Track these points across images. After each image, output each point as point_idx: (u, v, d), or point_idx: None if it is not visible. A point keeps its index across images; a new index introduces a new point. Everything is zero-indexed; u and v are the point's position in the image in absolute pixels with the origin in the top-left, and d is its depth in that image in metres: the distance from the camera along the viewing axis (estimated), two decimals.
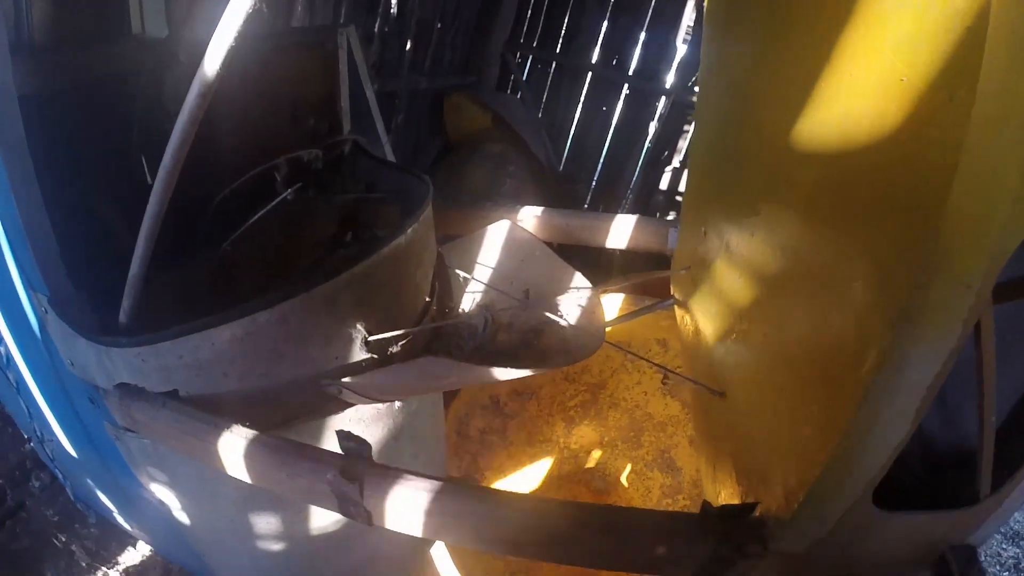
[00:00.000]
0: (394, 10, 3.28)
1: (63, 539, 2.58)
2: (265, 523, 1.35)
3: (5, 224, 1.17)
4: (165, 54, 1.52)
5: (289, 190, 1.34)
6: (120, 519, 1.94)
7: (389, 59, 3.40)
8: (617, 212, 3.04)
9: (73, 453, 1.69)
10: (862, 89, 0.84)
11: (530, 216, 1.65)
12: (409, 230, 1.19)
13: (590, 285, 1.33)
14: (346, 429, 0.98)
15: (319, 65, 1.62)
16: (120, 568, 2.45)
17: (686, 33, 4.09)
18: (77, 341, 1.15)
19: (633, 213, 1.83)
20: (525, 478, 2.52)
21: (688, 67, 3.92)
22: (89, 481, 1.86)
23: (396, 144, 2.42)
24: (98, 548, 2.52)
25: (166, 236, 1.03)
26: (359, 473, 0.90)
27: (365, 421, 1.27)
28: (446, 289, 1.37)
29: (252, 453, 0.97)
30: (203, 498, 1.39)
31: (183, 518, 1.45)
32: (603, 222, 1.72)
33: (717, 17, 1.47)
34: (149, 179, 1.40)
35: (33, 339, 1.34)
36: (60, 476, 2.14)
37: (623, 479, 2.55)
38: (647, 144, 4.14)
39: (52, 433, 1.67)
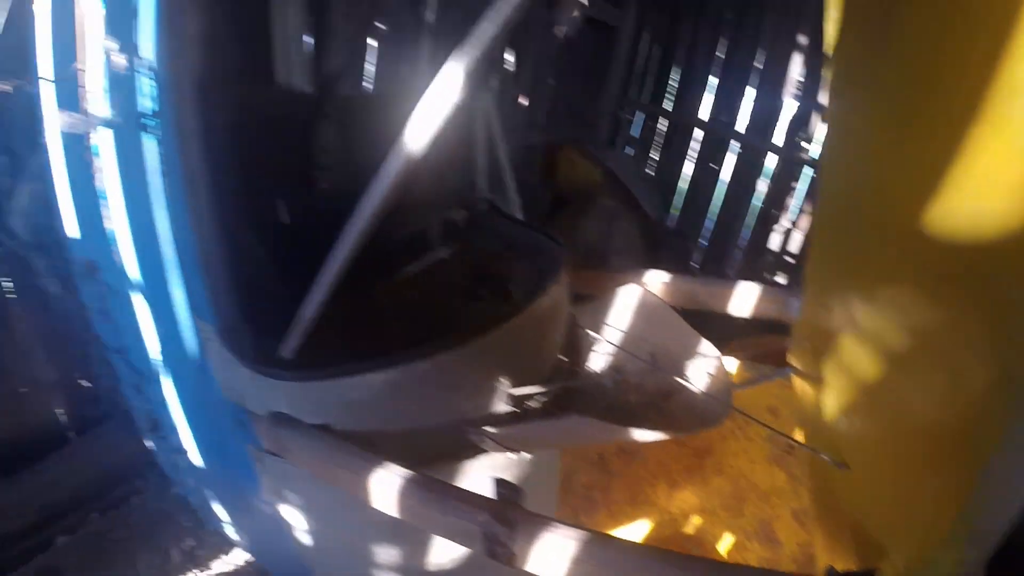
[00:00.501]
0: (510, 67, 3.47)
1: (161, 537, 2.77)
2: (389, 552, 1.48)
3: (180, 252, 1.32)
4: (315, 106, 1.69)
5: (444, 248, 1.47)
6: (229, 529, 2.08)
7: (504, 114, 3.61)
8: (727, 271, 3.06)
9: (199, 463, 1.84)
10: (995, 186, 0.81)
11: (656, 280, 1.73)
12: (552, 291, 1.29)
13: (718, 353, 1.38)
14: (478, 474, 1.07)
15: (460, 126, 1.77)
16: (213, 573, 2.61)
17: (796, 87, 4.10)
18: (238, 369, 1.29)
19: (743, 273, 1.87)
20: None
21: (799, 122, 3.94)
22: (207, 490, 2.01)
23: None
24: (194, 551, 2.69)
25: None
26: (512, 518, 0.97)
27: (496, 467, 1.36)
28: (577, 348, 1.45)
29: (404, 489, 1.08)
30: (332, 523, 1.52)
31: (304, 538, 1.58)
32: (726, 289, 1.77)
33: (842, 79, 1.50)
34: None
35: (185, 359, 1.50)
36: (173, 478, 2.31)
37: (721, 548, 2.54)
38: (757, 202, 4.16)
39: (179, 442, 1.83)
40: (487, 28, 0.94)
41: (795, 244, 3.92)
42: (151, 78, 1.21)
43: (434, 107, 0.98)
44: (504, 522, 1.00)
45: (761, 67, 4.06)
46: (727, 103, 4.16)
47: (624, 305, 1.54)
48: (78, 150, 1.44)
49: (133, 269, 1.46)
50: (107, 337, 1.97)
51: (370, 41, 2.38)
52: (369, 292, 1.47)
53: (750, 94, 4.08)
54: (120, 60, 1.22)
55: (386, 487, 1.11)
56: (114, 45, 1.23)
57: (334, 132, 1.54)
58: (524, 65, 3.50)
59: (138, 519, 3.20)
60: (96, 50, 1.27)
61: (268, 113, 1.52)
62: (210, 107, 1.24)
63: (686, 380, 1.37)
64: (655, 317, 1.50)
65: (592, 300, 1.61)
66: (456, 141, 1.82)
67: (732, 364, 2.17)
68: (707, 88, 4.18)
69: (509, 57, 3.47)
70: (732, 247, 4.35)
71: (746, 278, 2.03)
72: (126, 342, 1.75)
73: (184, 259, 1.29)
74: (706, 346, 1.43)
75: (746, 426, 2.12)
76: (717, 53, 4.17)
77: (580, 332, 1.57)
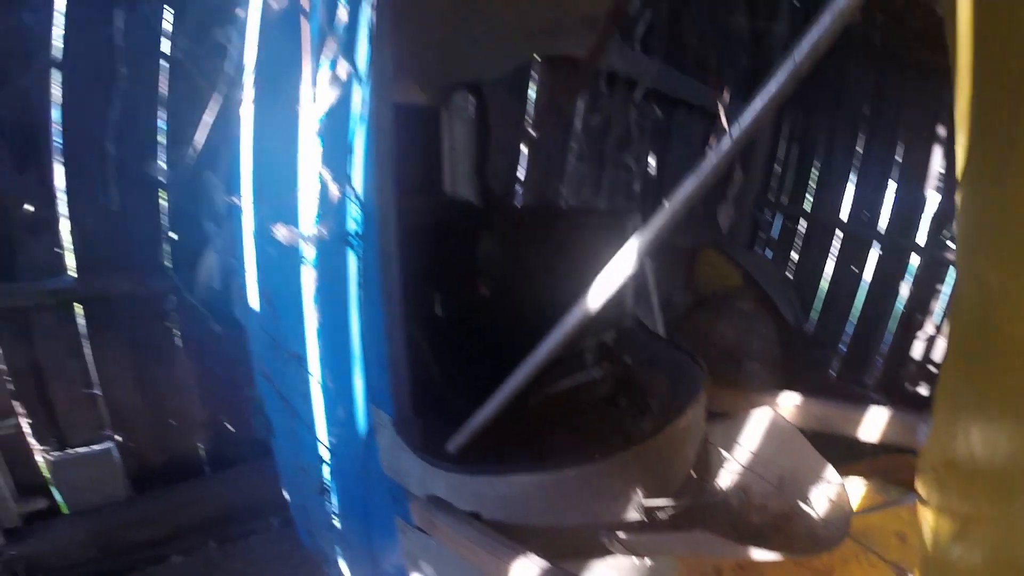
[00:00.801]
0: (652, 170, 3.70)
1: None
2: None
3: (365, 348, 1.57)
4: (479, 217, 1.95)
5: (598, 369, 1.67)
6: None
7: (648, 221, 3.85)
8: (865, 380, 3.04)
9: (337, 525, 2.07)
10: None
11: (788, 403, 1.83)
12: (690, 412, 1.43)
13: (841, 480, 1.47)
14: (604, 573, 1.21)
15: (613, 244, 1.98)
16: None
17: (938, 181, 4.06)
18: (405, 454, 1.50)
19: (883, 383, 1.90)
20: None
21: (942, 219, 3.88)
22: (339, 546, 2.23)
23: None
24: None
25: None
26: None
27: (621, 569, 1.49)
28: (708, 464, 1.59)
29: None
30: None
31: None
32: (856, 413, 1.84)
33: (971, 196, 1.52)
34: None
35: (354, 435, 1.73)
36: (301, 527, 2.58)
37: None
38: (900, 306, 4.11)
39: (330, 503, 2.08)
40: (668, 210, 1.14)
41: (939, 352, 3.82)
42: (358, 205, 1.48)
43: (613, 276, 1.18)
44: None
45: (900, 161, 4.06)
46: (867, 200, 4.17)
47: (756, 427, 1.67)
48: (283, 252, 1.76)
49: (317, 352, 1.75)
50: (275, 400, 2.29)
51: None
52: (525, 401, 1.67)
53: (891, 189, 4.07)
54: (334, 189, 1.50)
55: (523, 574, 1.28)
56: (329, 175, 1.52)
57: (505, 258, 1.79)
58: (666, 171, 3.70)
59: (254, 557, 3.53)
60: (313, 177, 1.57)
61: (451, 243, 1.78)
62: (405, 235, 1.50)
63: (808, 504, 1.46)
64: (785, 441, 1.63)
65: (725, 419, 1.75)
66: (593, 255, 2.02)
67: (860, 486, 2.22)
68: (846, 185, 4.21)
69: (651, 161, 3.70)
70: (872, 354, 4.28)
71: (885, 389, 2.08)
72: (298, 408, 2.03)
73: (369, 355, 1.55)
74: (831, 472, 1.53)
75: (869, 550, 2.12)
76: (856, 148, 4.20)
77: (712, 449, 1.70)
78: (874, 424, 1.97)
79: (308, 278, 1.65)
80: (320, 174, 1.53)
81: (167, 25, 3.08)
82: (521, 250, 1.62)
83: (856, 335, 4.48)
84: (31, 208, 3.25)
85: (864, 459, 2.72)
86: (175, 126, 3.39)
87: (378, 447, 1.65)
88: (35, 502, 3.66)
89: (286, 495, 2.81)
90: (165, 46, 3.24)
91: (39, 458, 3.64)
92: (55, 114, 3.27)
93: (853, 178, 4.31)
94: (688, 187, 1.15)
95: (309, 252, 1.58)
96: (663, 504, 1.43)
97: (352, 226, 1.50)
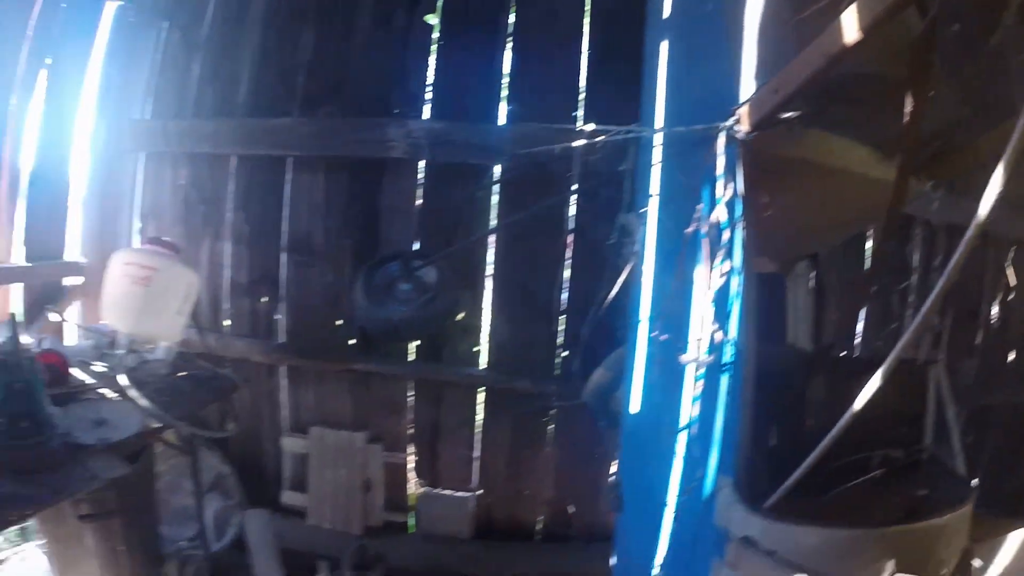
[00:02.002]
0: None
1: None
2: None
3: (725, 435, 2.47)
4: (810, 362, 2.89)
5: (879, 471, 2.44)
6: None
7: (957, 376, 4.38)
8: None
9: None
10: None
11: None
12: (947, 517, 2.16)
13: None
14: None
15: (916, 388, 2.75)
16: None
17: None
18: (736, 507, 2.44)
19: None
20: None
21: None
22: None
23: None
24: None
25: None
26: None
27: None
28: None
29: None
30: None
31: None
32: None
33: None
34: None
35: (699, 497, 2.69)
36: None
37: None
38: None
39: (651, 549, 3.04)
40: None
41: None
42: (732, 346, 2.56)
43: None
44: None
45: None
46: None
47: (1012, 550, 2.21)
48: (667, 373, 2.89)
49: (685, 438, 2.80)
50: (631, 478, 3.39)
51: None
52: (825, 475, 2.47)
53: None
54: (718, 335, 2.60)
55: None
56: (715, 327, 2.63)
57: (822, 384, 2.68)
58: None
59: None
60: (706, 327, 2.69)
61: (788, 380, 2.73)
62: (759, 368, 2.52)
63: None
64: None
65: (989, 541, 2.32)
66: (899, 397, 2.69)
67: None
68: None
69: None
70: None
71: None
72: (655, 481, 3.08)
73: (725, 440, 2.51)
74: None
75: None
76: None
77: (971, 566, 2.31)
78: None
79: (692, 388, 2.74)
80: (711, 325, 2.64)
81: (587, 201, 4.42)
82: (838, 390, 2.28)
83: None
84: (464, 315, 4.93)
85: None
86: (580, 279, 4.77)
87: (715, 505, 2.60)
88: (396, 516, 5.21)
89: (614, 559, 3.82)
90: (576, 214, 4.64)
91: (411, 487, 5.18)
92: (490, 257, 4.96)
93: None
94: None
95: (698, 371, 2.69)
96: None
97: (727, 358, 2.57)
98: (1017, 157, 1.33)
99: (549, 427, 5.00)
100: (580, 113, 4.56)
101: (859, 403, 1.81)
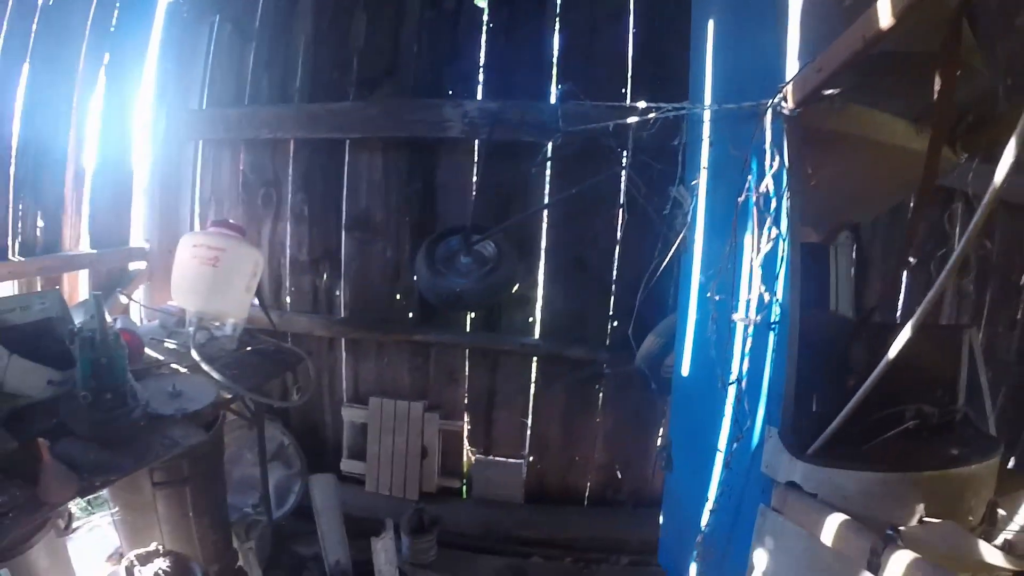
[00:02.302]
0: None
1: None
2: None
3: (771, 388, 2.53)
4: (851, 327, 3.10)
5: (912, 422, 2.60)
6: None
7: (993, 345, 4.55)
8: None
9: (703, 521, 3.24)
10: None
11: None
12: (975, 466, 2.36)
13: None
14: None
15: (950, 351, 2.84)
16: None
17: None
18: (782, 455, 2.64)
19: None
20: None
21: None
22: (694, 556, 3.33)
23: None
24: None
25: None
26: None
27: None
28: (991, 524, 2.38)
29: (852, 534, 2.04)
30: (798, 566, 2.58)
31: None
32: None
33: None
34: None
35: (748, 446, 2.87)
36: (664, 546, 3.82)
37: None
38: None
39: (699, 502, 3.27)
40: None
41: None
42: (779, 306, 2.78)
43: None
44: None
45: None
46: None
47: None
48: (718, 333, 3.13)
49: (734, 392, 3.03)
50: (682, 437, 3.63)
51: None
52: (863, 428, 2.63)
53: None
54: (767, 296, 2.82)
55: (845, 532, 1.99)
56: (763, 288, 2.85)
57: (863, 347, 2.86)
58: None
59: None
60: (755, 289, 2.92)
61: (830, 344, 2.89)
62: (802, 324, 2.67)
63: None
64: None
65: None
66: (933, 360, 2.72)
67: None
68: None
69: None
70: None
71: None
72: (706, 436, 3.32)
73: (772, 392, 2.65)
74: None
75: None
76: None
77: (997, 513, 2.47)
78: None
79: (741, 346, 2.97)
80: (760, 288, 2.86)
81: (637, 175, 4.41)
82: (879, 353, 2.13)
83: None
84: (519, 287, 5.16)
85: None
86: (630, 251, 4.95)
87: (762, 453, 2.81)
88: (451, 481, 5.46)
89: (661, 518, 4.05)
90: (627, 188, 4.70)
91: (466, 455, 5.41)
92: (544, 230, 5.13)
93: None
94: None
95: (748, 329, 2.91)
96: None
97: (773, 318, 2.79)
98: None
99: (600, 394, 5.16)
100: (628, 89, 4.73)
101: (893, 352, 1.93)
